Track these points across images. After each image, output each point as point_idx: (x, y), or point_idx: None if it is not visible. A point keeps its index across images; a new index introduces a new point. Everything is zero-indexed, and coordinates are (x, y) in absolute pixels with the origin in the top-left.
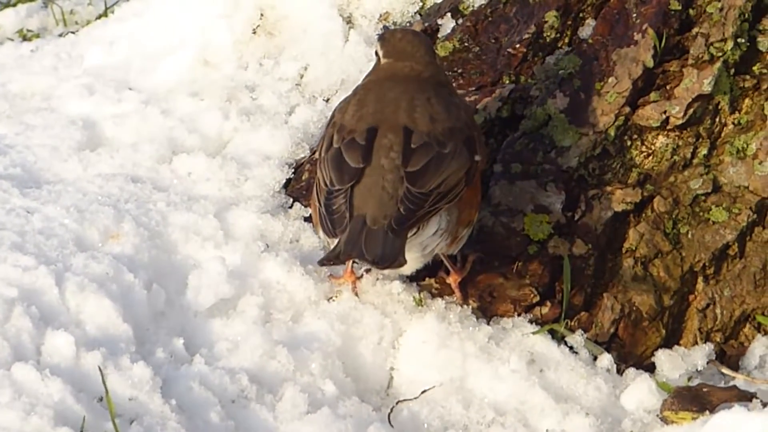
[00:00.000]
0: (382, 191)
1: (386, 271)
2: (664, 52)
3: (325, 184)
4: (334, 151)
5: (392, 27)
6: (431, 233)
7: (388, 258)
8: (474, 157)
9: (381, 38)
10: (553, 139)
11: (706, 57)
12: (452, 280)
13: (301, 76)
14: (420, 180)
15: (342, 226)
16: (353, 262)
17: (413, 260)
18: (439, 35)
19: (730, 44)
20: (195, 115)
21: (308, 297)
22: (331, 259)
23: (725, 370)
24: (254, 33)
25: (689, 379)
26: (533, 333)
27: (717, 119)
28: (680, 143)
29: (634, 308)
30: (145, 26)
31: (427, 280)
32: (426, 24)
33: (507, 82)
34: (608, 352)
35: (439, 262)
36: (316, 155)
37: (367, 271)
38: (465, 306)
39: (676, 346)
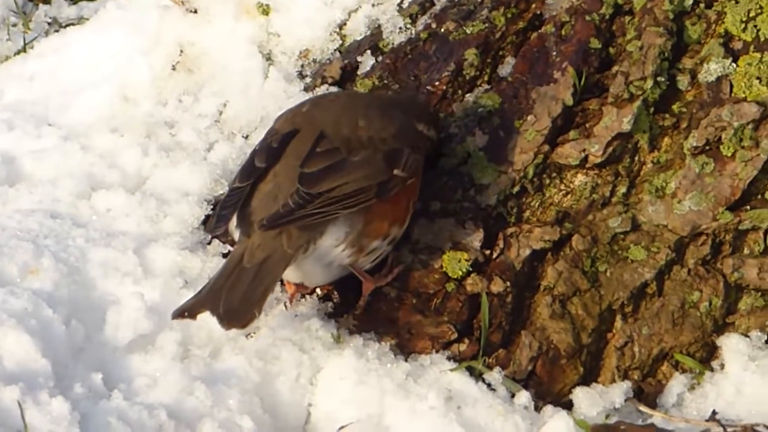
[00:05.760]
0: (274, 190)
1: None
2: (583, 91)
3: (230, 184)
4: (251, 153)
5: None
6: (329, 245)
7: (238, 314)
8: (393, 170)
9: None
10: (472, 177)
11: (626, 95)
12: (364, 287)
13: (221, 113)
14: (311, 182)
15: (223, 223)
16: None
17: (319, 274)
18: (359, 72)
19: (649, 83)
20: (114, 152)
21: (226, 333)
22: (184, 312)
23: (643, 408)
24: (174, 69)
25: (607, 416)
26: (451, 370)
27: (636, 158)
28: (599, 181)
29: (552, 346)
30: (64, 62)
31: (345, 317)
32: (346, 61)
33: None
34: (526, 389)
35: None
36: None
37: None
38: (382, 342)
39: (594, 384)
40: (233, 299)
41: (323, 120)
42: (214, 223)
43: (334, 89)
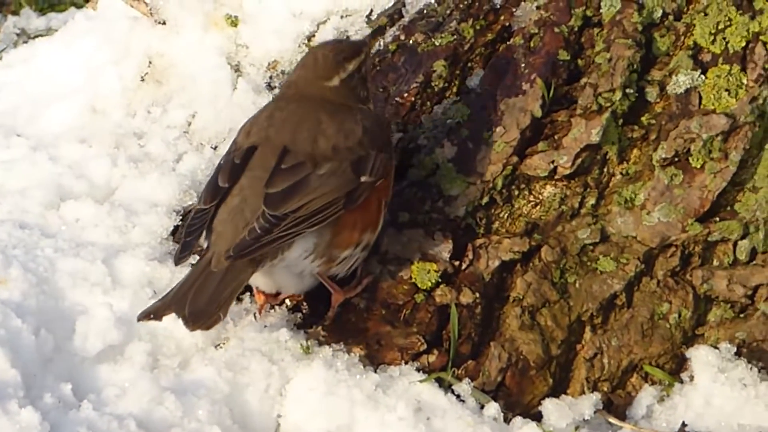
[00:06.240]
0: (239, 213)
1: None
2: (552, 102)
3: (197, 200)
4: (216, 168)
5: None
6: (297, 256)
7: (203, 315)
8: (360, 177)
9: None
10: (441, 188)
11: (595, 107)
12: (333, 299)
13: (189, 124)
14: (277, 202)
15: (188, 250)
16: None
17: (292, 283)
18: None
19: (618, 94)
20: (83, 162)
21: (195, 343)
22: (149, 314)
23: (612, 420)
24: (143, 80)
25: (576, 428)
26: (420, 381)
27: (605, 169)
28: (568, 193)
29: (522, 357)
30: (33, 73)
31: (315, 327)
32: None
33: (395, 131)
34: (495, 400)
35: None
36: None
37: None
38: (351, 353)
39: (563, 395)
40: (199, 301)
41: (285, 133)
42: (179, 251)
43: None
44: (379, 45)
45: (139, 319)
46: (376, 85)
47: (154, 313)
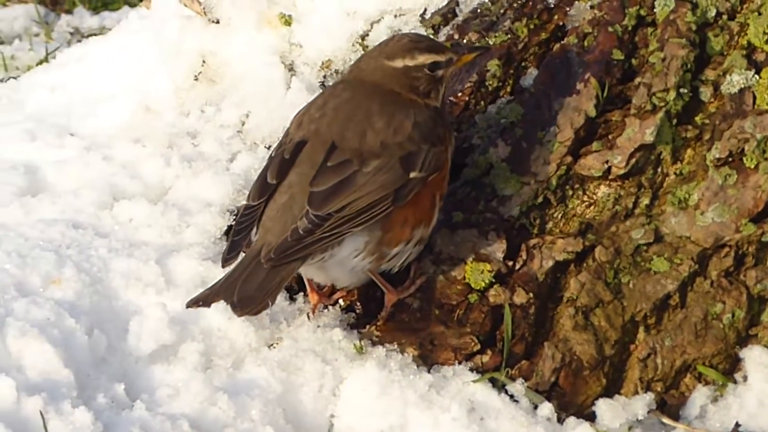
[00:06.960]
0: (288, 210)
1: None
2: (606, 102)
3: (247, 197)
4: (267, 162)
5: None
6: (347, 254)
7: (252, 302)
8: (409, 174)
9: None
10: (495, 188)
11: (649, 107)
12: (386, 299)
13: (243, 123)
14: (321, 201)
15: (236, 251)
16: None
17: (344, 278)
18: None
19: (672, 94)
20: (136, 162)
21: (249, 344)
22: (198, 301)
23: (666, 420)
24: (196, 80)
25: (630, 428)
26: (474, 381)
27: (659, 169)
28: (622, 193)
29: (575, 357)
30: (86, 72)
31: (368, 327)
32: None
33: None
34: (549, 400)
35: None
36: None
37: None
38: (405, 353)
39: (616, 396)
40: (248, 288)
41: (335, 126)
42: (227, 251)
43: None
44: None
45: (188, 306)
46: None
47: (203, 300)
